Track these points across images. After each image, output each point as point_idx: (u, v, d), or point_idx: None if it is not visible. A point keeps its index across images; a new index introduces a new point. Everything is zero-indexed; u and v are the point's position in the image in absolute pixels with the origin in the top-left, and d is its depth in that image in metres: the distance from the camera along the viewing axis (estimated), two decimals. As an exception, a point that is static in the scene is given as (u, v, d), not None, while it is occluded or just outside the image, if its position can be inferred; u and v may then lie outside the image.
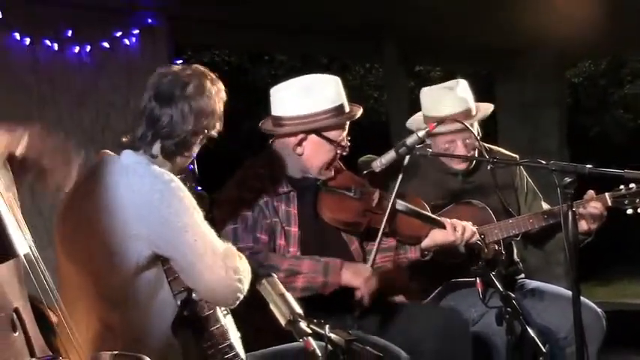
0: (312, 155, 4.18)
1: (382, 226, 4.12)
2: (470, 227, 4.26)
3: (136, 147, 3.33)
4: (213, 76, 3.46)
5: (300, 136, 4.15)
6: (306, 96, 4.15)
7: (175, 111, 3.30)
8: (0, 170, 2.40)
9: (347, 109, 4.22)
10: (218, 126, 3.44)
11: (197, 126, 3.34)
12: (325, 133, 4.15)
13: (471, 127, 4.50)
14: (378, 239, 4.12)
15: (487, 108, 4.79)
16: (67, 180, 2.56)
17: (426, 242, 4.25)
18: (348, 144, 4.22)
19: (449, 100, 4.63)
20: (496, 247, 4.35)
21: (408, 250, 4.29)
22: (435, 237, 4.23)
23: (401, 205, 4.17)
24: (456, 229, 4.22)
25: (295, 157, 4.18)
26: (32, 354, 2.21)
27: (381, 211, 4.17)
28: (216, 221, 3.90)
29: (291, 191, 4.16)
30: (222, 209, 4.05)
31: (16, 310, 2.21)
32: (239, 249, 3.75)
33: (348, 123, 4.22)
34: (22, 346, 2.19)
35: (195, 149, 3.43)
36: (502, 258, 4.32)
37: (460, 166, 4.73)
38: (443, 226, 4.23)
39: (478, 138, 4.58)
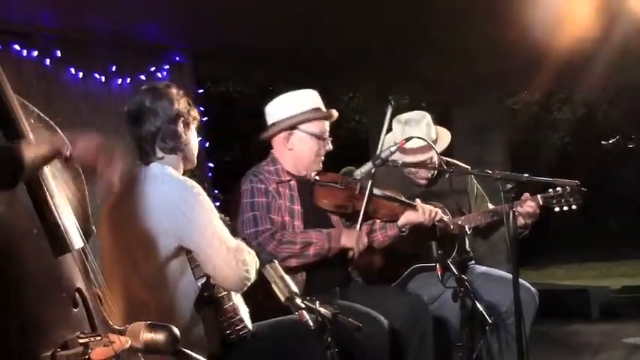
0: (300, 149, 4.21)
1: (364, 202, 4.17)
2: (435, 209, 4.29)
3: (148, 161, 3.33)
4: (160, 85, 3.43)
5: (287, 132, 4.19)
6: (288, 103, 4.24)
7: (146, 125, 3.32)
8: (60, 169, 2.37)
9: (323, 109, 4.26)
10: (192, 113, 3.41)
11: (166, 117, 3.31)
12: (306, 128, 4.19)
13: (434, 148, 4.50)
14: (360, 217, 4.15)
15: (446, 139, 4.76)
16: (113, 182, 2.52)
17: (401, 220, 4.28)
18: (330, 140, 4.26)
19: (414, 131, 4.59)
20: (459, 223, 4.40)
21: (388, 228, 4.30)
22: (409, 216, 4.27)
23: (379, 191, 4.20)
24: (425, 210, 4.27)
25: (288, 154, 4.23)
26: (93, 326, 2.19)
27: (362, 197, 4.20)
28: (236, 210, 3.93)
29: (291, 180, 4.21)
30: (239, 201, 4.09)
31: (79, 290, 2.20)
32: (260, 232, 3.88)
33: (327, 122, 4.27)
34: (82, 320, 2.17)
35: (185, 135, 3.37)
36: (466, 232, 4.35)
37: (422, 182, 4.73)
38: (415, 208, 4.27)
39: (439, 158, 4.59)
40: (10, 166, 1.97)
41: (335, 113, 4.30)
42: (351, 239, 4.09)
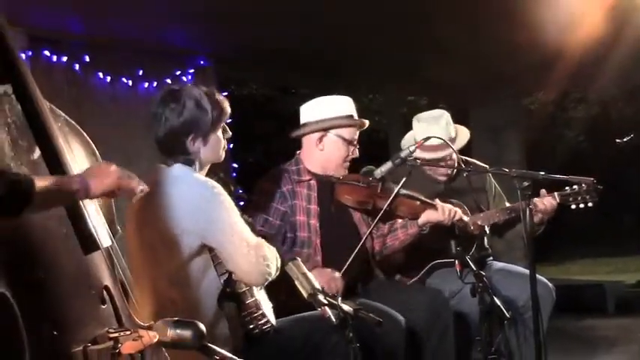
0: (331, 151, 4.26)
1: (387, 203, 4.15)
2: (455, 209, 4.28)
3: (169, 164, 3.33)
4: (167, 92, 3.39)
5: (321, 133, 4.24)
6: (324, 106, 4.30)
7: (158, 130, 3.34)
8: None
9: (356, 117, 4.31)
10: (207, 119, 3.32)
11: (171, 126, 3.29)
12: (339, 132, 4.24)
13: (452, 147, 4.49)
14: (377, 217, 4.14)
15: (465, 135, 4.75)
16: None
17: (422, 219, 4.27)
18: (357, 146, 4.30)
19: (435, 128, 4.59)
20: (478, 223, 4.38)
21: (409, 226, 4.29)
22: (430, 215, 4.25)
23: (403, 190, 4.19)
24: (445, 210, 4.25)
25: (318, 154, 4.27)
26: (119, 322, 2.21)
27: (383, 195, 4.19)
28: (250, 208, 3.92)
29: (311, 179, 4.22)
30: (253, 198, 4.13)
31: (106, 288, 2.22)
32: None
33: (358, 129, 4.31)
34: (110, 316, 2.19)
35: (196, 145, 3.31)
36: (486, 232, 4.32)
37: (442, 178, 4.73)
38: (435, 208, 4.25)
39: (457, 156, 4.59)
40: (17, 197, 1.92)
41: (366, 122, 4.36)
42: (322, 277, 3.88)
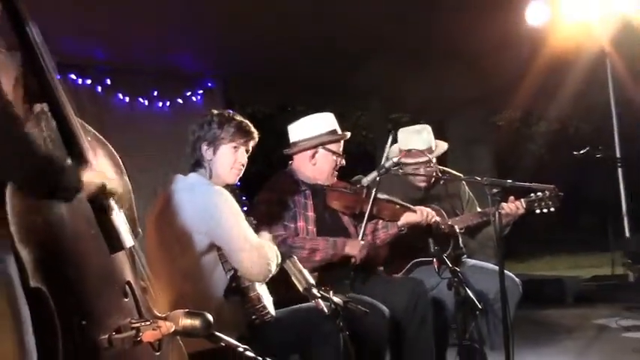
0: (322, 164, 4.26)
1: (369, 207, 4.16)
2: (431, 211, 4.29)
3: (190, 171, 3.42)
4: (201, 115, 3.52)
5: (313, 150, 4.23)
6: (310, 125, 4.29)
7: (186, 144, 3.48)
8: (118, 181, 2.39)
9: (339, 131, 4.32)
10: (220, 134, 3.41)
11: (193, 139, 3.44)
12: (329, 146, 4.24)
13: (430, 158, 4.54)
14: (365, 218, 4.15)
15: (443, 146, 4.80)
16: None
17: (401, 221, 4.27)
18: (344, 155, 4.31)
19: (417, 139, 4.65)
20: (448, 224, 4.40)
21: (390, 227, 4.30)
22: (408, 217, 4.26)
23: (383, 195, 4.21)
24: (422, 212, 4.26)
25: (311, 168, 4.26)
26: (140, 314, 2.21)
27: (368, 201, 4.20)
28: (257, 216, 3.92)
29: (306, 189, 4.23)
30: (259, 207, 4.11)
31: (128, 283, 2.22)
32: (275, 237, 3.79)
33: (342, 141, 4.32)
34: (131, 308, 2.19)
35: (208, 154, 3.40)
36: (457, 232, 4.34)
37: (422, 184, 4.74)
38: (413, 211, 4.28)
39: (435, 165, 4.62)
40: (73, 183, 1.99)
41: (348, 134, 4.38)
42: (354, 248, 4.07)
